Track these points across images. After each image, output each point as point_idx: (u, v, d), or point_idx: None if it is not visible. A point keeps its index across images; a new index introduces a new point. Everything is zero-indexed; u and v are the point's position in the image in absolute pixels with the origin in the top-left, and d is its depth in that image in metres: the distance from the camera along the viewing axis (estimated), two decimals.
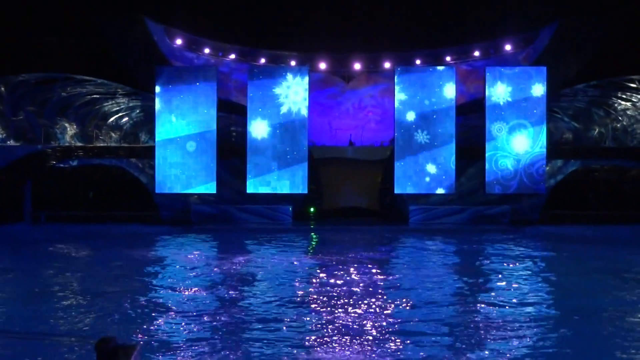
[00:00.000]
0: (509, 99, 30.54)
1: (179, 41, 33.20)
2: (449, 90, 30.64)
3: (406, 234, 28.23)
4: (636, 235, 27.26)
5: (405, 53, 34.01)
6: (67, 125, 33.03)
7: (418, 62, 33.73)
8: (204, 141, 30.57)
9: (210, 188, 30.59)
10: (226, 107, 32.19)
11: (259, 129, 30.71)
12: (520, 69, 30.93)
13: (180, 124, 30.60)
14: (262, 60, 34.05)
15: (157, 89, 30.50)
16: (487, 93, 30.59)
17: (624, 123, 33.36)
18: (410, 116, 30.65)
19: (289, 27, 33.85)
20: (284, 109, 30.69)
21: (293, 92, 30.70)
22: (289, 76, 30.79)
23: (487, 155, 30.55)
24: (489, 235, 27.32)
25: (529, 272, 18.46)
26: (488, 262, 20.62)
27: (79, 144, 32.36)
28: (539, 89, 30.49)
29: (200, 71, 31.15)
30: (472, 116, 31.73)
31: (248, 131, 30.74)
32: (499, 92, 30.53)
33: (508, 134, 30.55)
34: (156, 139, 30.68)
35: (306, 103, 30.70)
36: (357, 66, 34.04)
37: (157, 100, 30.56)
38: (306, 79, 30.81)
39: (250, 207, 31.14)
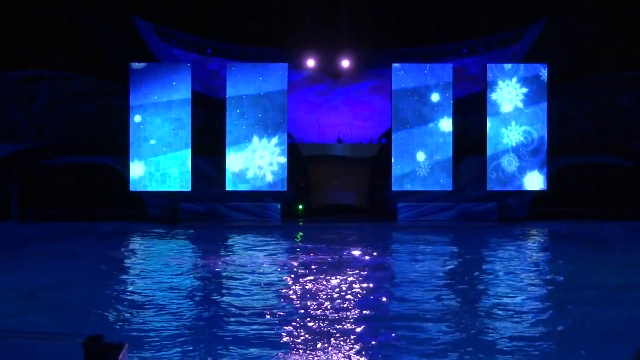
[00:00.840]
0: (515, 99, 30.73)
1: (167, 38, 33.06)
2: (447, 88, 30.84)
3: (396, 231, 28.27)
4: (627, 231, 27.42)
5: (393, 50, 34.02)
6: (55, 122, 32.83)
7: (407, 58, 33.75)
8: (178, 139, 30.46)
9: (185, 186, 30.48)
10: (213, 104, 32.11)
11: (237, 126, 30.65)
12: (524, 67, 31.01)
13: (154, 121, 30.48)
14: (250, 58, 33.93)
15: (130, 85, 30.41)
16: (489, 91, 30.79)
17: (612, 120, 33.49)
18: (408, 114, 30.84)
19: (277, 24, 33.76)
20: (262, 106, 30.65)
21: (271, 91, 30.68)
22: (268, 74, 30.86)
23: (488, 152, 30.71)
24: (479, 233, 27.36)
25: (533, 277, 17.69)
26: (485, 264, 20.20)
27: (68, 142, 32.16)
28: (542, 86, 30.73)
29: (174, 68, 30.88)
30: (461, 113, 31.77)
31: (227, 130, 30.71)
32: (502, 92, 30.73)
33: (511, 132, 30.69)
34: (130, 137, 30.50)
35: (285, 101, 30.71)
36: (346, 63, 33.99)
37: (130, 97, 30.47)
38: (285, 75, 30.86)
39: (238, 205, 31.14)
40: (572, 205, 31.83)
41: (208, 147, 31.15)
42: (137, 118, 30.48)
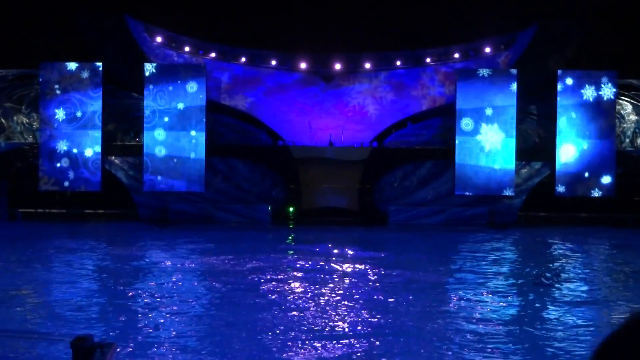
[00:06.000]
0: (580, 104, 31.34)
1: (159, 39, 33.03)
2: (509, 94, 31.15)
3: (389, 235, 28.23)
4: (615, 239, 27.29)
5: (385, 54, 34.10)
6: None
7: (398, 63, 33.88)
8: (88, 139, 30.70)
9: (95, 186, 30.76)
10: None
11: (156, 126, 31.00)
12: (593, 74, 31.38)
13: (66, 120, 30.66)
14: (243, 59, 33.95)
15: (43, 85, 30.61)
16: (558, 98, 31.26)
17: None
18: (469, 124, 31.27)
19: (269, 26, 33.78)
20: (180, 107, 30.92)
21: (190, 93, 30.92)
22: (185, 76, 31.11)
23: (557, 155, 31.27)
24: (472, 237, 27.20)
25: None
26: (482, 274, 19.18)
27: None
28: (608, 94, 31.20)
29: (83, 69, 30.86)
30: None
31: (145, 127, 30.94)
32: (570, 98, 31.29)
33: (576, 137, 31.31)
34: (40, 137, 30.70)
35: (203, 102, 30.96)
36: (338, 66, 34.03)
37: (41, 97, 30.63)
38: (203, 78, 31.15)
39: (229, 207, 31.16)
40: (559, 211, 31.82)
41: (122, 150, 31.74)
42: (47, 116, 30.68)
